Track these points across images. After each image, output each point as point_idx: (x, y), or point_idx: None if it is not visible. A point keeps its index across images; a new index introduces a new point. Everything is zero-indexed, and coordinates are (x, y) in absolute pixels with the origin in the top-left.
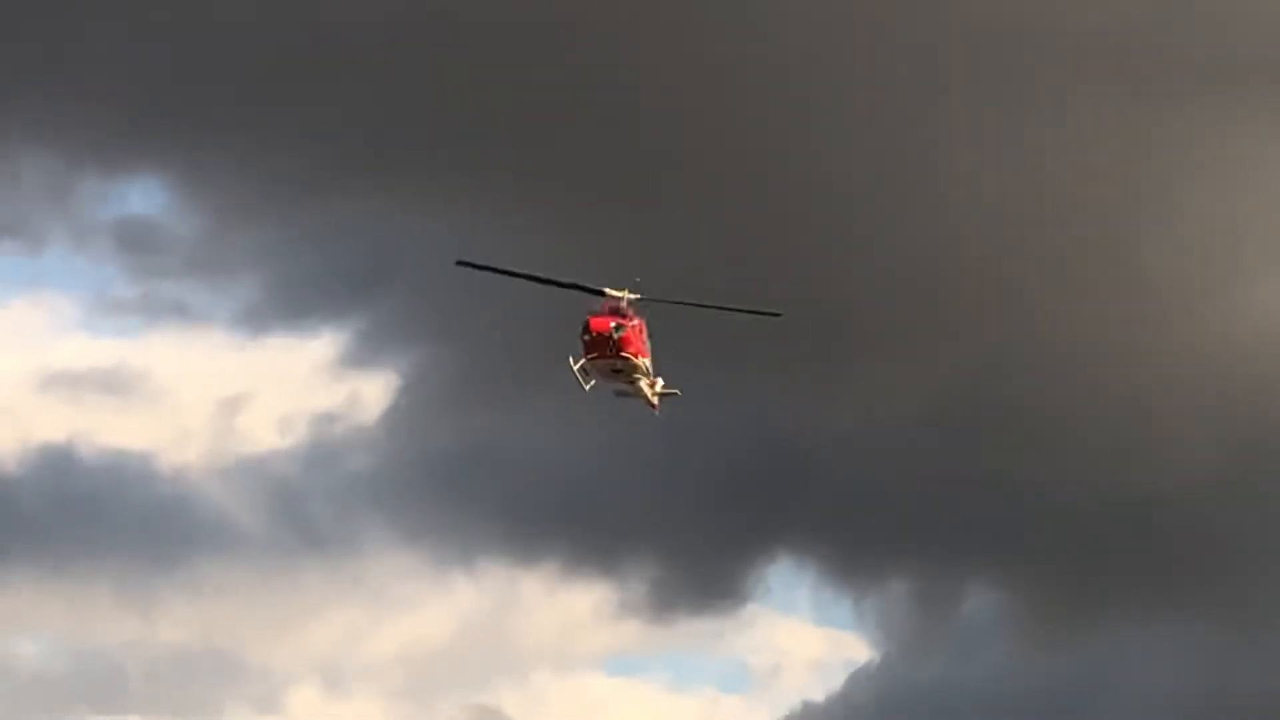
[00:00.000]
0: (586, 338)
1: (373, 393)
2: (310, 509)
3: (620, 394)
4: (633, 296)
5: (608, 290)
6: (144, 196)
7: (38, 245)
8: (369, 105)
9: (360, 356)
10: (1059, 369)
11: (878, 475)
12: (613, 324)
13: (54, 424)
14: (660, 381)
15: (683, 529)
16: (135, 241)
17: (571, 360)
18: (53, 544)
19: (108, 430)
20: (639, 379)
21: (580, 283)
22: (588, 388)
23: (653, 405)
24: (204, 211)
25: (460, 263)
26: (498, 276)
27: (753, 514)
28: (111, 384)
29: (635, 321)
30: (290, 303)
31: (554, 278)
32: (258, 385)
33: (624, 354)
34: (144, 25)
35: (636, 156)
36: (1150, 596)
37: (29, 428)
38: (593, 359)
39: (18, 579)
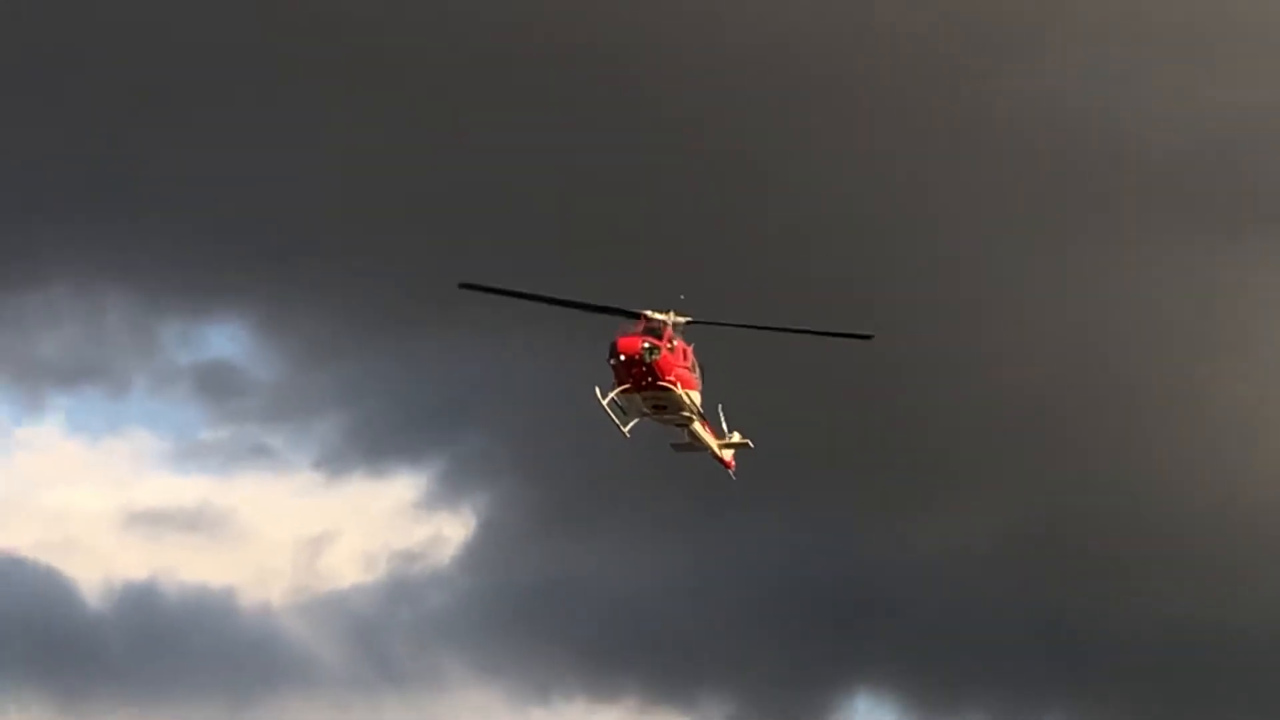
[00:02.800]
0: (613, 362)
1: (452, 530)
2: (391, 646)
3: (680, 449)
4: (679, 320)
5: (647, 313)
6: (226, 339)
7: (121, 388)
8: (445, 245)
9: (441, 494)
10: (1135, 501)
11: (956, 608)
12: (645, 344)
13: (137, 562)
14: (735, 434)
15: (761, 663)
16: (217, 385)
17: (599, 393)
18: (136, 681)
19: (191, 567)
20: (690, 420)
21: (609, 304)
22: (627, 431)
23: (725, 463)
24: (285, 354)
25: (463, 285)
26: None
27: (831, 648)
28: (195, 523)
29: (676, 344)
30: (371, 443)
31: (571, 299)
32: (339, 525)
33: (663, 383)
34: (224, 169)
35: (712, 281)
36: None
37: (113, 565)
38: (625, 390)
39: (100, 716)
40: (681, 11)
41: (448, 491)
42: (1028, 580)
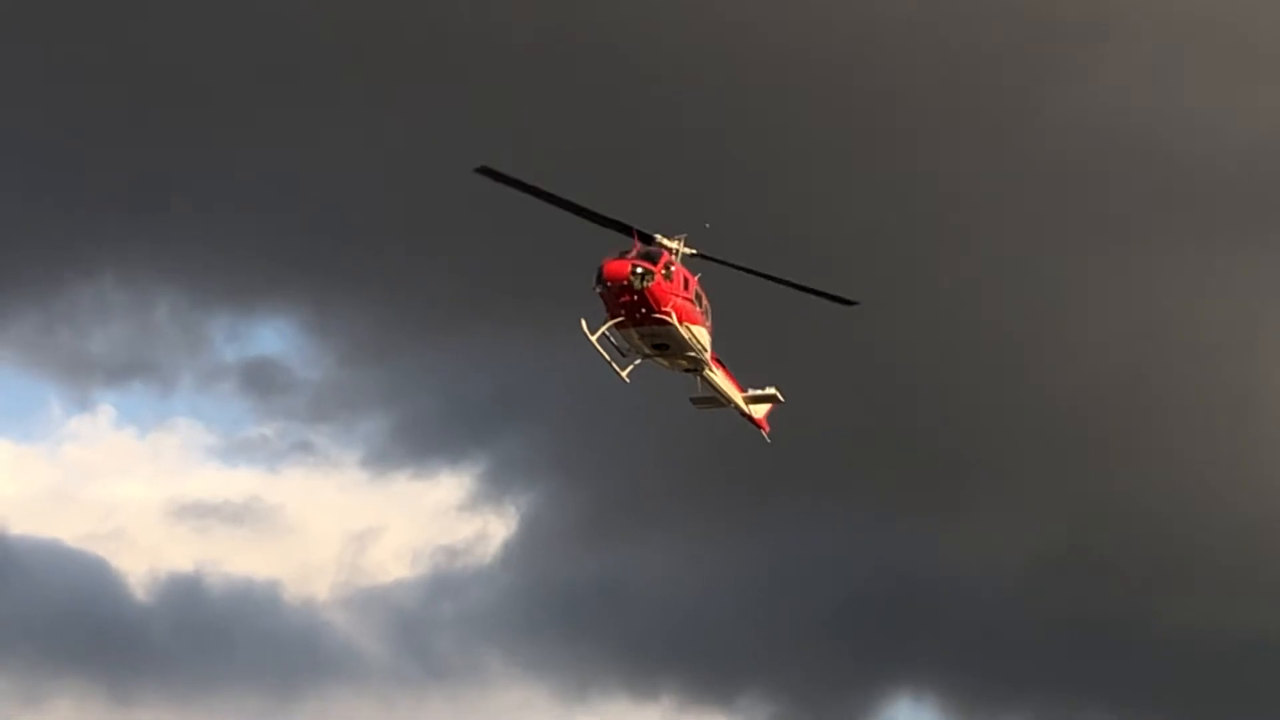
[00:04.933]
0: (600, 290)
1: (496, 528)
2: (434, 641)
3: (700, 404)
4: (688, 251)
5: (658, 237)
6: (273, 337)
7: (169, 385)
8: (492, 244)
9: (485, 491)
10: (1178, 509)
11: (997, 613)
12: (636, 268)
13: (183, 554)
14: (768, 387)
15: (801, 664)
16: (263, 381)
17: (585, 326)
18: (181, 672)
19: (237, 560)
20: (700, 363)
21: (620, 219)
22: (625, 375)
23: (755, 422)
24: (332, 352)
25: (480, 170)
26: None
27: (871, 650)
28: (242, 516)
29: (674, 269)
30: (416, 441)
31: (587, 206)
32: (384, 521)
33: (658, 315)
34: (274, 166)
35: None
36: None
37: (159, 557)
38: (618, 323)
39: (145, 707)
40: (730, 18)
41: (492, 489)
42: (1068, 585)
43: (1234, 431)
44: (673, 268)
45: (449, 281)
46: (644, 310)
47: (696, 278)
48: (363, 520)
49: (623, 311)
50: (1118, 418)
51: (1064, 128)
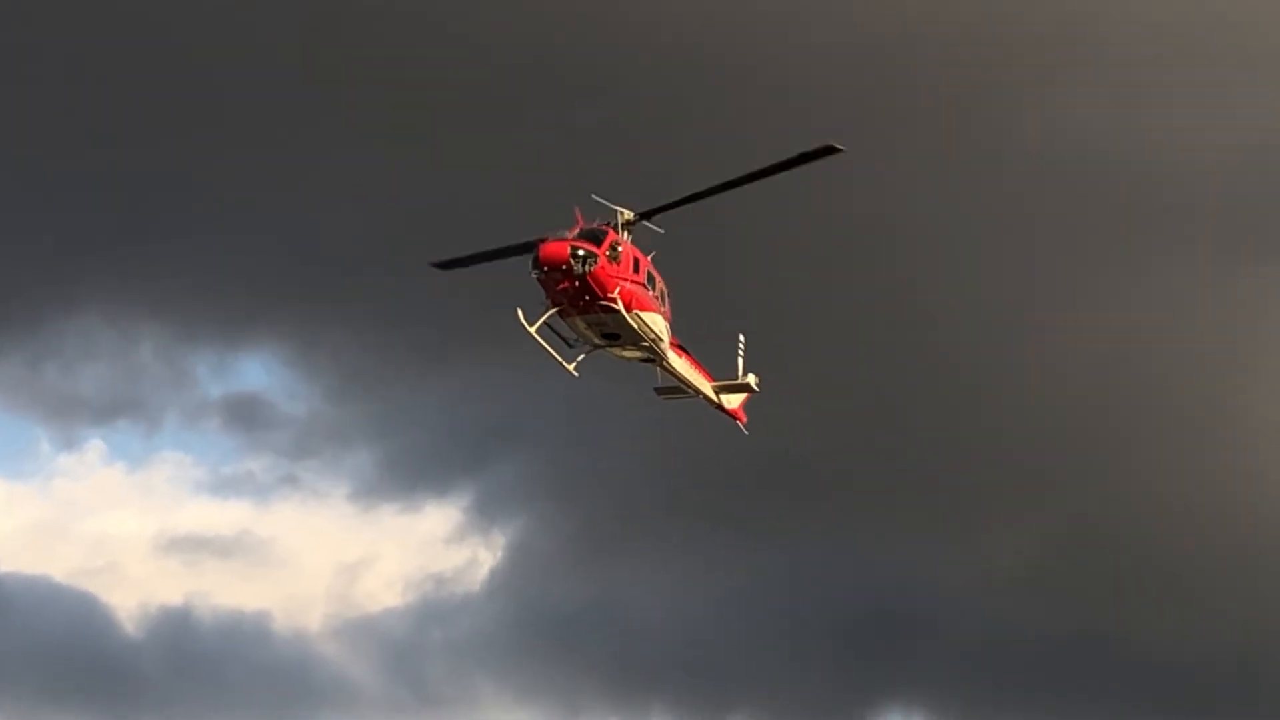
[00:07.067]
0: (537, 274)
1: (485, 555)
2: (425, 669)
3: (666, 394)
4: (629, 215)
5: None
6: (259, 372)
7: (155, 423)
8: (474, 278)
9: (472, 521)
10: (1167, 526)
11: (987, 633)
12: (576, 249)
13: (174, 588)
14: (749, 375)
15: (791, 687)
16: (249, 417)
17: (522, 316)
18: (173, 705)
19: (227, 593)
20: (656, 351)
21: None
22: (573, 368)
23: (729, 413)
24: (318, 386)
25: (433, 264)
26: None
27: (861, 671)
28: (232, 549)
29: (622, 249)
30: (403, 474)
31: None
32: (373, 551)
33: (604, 302)
34: (257, 202)
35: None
36: None
37: (150, 591)
38: (560, 310)
39: None
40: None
41: (478, 520)
42: (1059, 607)
43: (1226, 442)
44: (620, 248)
45: (429, 315)
46: (588, 297)
47: (649, 257)
48: (352, 552)
49: (564, 299)
50: (1108, 431)
51: (1053, 146)
